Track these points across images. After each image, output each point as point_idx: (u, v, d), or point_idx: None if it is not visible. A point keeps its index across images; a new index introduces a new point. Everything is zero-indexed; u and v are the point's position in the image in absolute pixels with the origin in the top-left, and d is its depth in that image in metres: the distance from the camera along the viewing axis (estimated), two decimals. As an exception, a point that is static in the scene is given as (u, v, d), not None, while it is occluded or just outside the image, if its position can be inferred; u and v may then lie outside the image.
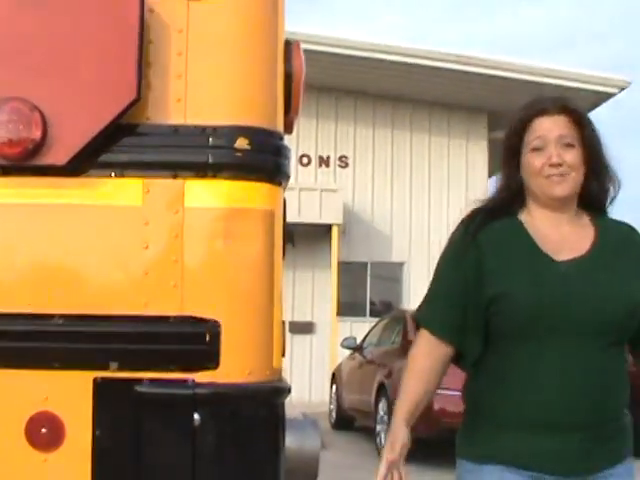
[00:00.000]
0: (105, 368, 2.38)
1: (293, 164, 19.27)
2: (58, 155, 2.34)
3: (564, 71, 18.16)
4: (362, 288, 19.68)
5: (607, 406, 2.37)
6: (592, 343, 2.34)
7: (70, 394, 2.39)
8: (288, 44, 2.74)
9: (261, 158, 2.47)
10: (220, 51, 2.49)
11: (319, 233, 18.40)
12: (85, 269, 2.43)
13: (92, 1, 2.39)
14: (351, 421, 13.84)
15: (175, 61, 2.45)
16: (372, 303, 19.62)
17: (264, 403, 2.45)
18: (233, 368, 2.39)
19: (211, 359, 2.37)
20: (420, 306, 2.57)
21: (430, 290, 2.55)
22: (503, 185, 2.51)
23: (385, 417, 11.53)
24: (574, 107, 2.48)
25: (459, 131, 20.26)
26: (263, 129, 2.49)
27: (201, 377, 2.37)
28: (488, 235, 2.44)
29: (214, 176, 2.42)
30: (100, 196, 2.42)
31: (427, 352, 2.47)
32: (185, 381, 2.37)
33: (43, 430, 2.38)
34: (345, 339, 14.30)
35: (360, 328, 16.61)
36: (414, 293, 19.41)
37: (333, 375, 15.22)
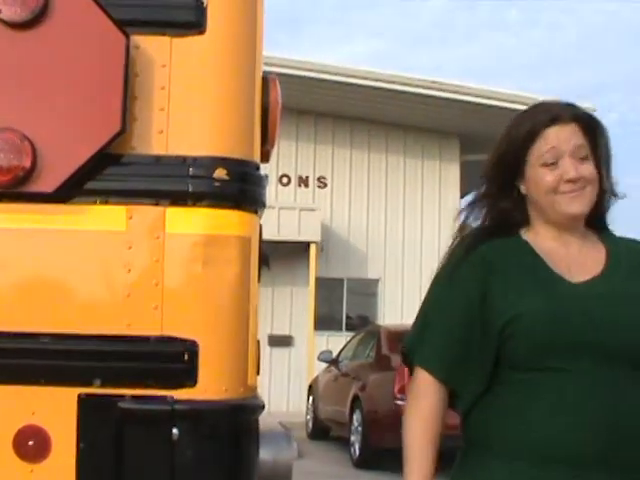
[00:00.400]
0: (89, 384, 2.49)
1: (273, 184, 19.49)
2: (47, 183, 2.46)
3: (533, 98, 18.48)
4: (339, 303, 19.93)
5: (637, 442, 2.03)
6: (619, 368, 2.05)
7: (56, 409, 2.49)
8: (265, 78, 2.87)
9: (238, 188, 2.59)
10: (201, 85, 2.60)
11: (298, 250, 18.58)
12: (71, 290, 2.55)
13: (81, 37, 2.51)
14: (327, 431, 14.04)
15: (158, 94, 2.58)
16: (348, 317, 19.87)
17: (239, 419, 2.56)
18: (210, 386, 2.50)
19: (189, 377, 2.48)
20: (412, 339, 2.22)
21: (423, 320, 2.21)
22: (500, 200, 2.23)
23: (359, 428, 11.73)
24: (588, 114, 2.23)
25: (432, 153, 20.66)
26: (241, 160, 2.61)
27: (180, 394, 2.48)
28: (492, 254, 2.17)
29: (194, 204, 2.53)
30: (86, 222, 2.54)
31: (430, 405, 2.15)
32: (164, 398, 2.47)
33: (30, 442, 2.47)
34: (322, 352, 14.45)
35: (336, 341, 17.05)
36: (389, 308, 19.73)
37: (310, 387, 15.41)
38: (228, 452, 2.54)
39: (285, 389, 18.79)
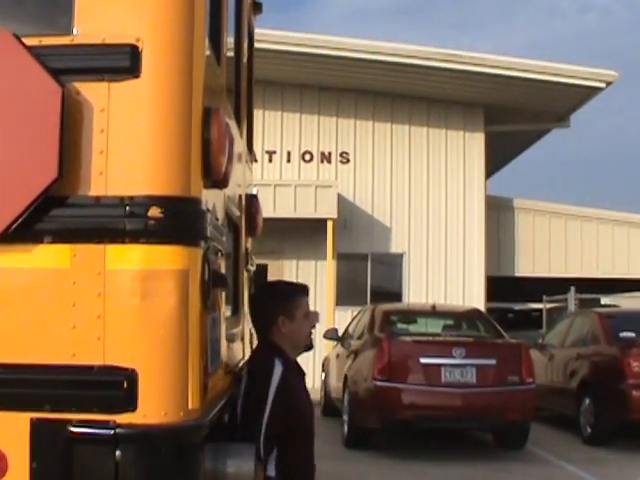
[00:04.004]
0: (40, 410, 2.70)
1: (296, 161, 19.67)
2: (-9, 228, 2.67)
3: (554, 67, 18.40)
4: (363, 278, 20.07)
5: None
6: None
7: (11, 431, 2.71)
8: (207, 111, 3.00)
9: (173, 224, 2.74)
10: (137, 127, 2.76)
11: (319, 227, 18.75)
12: (21, 324, 2.74)
13: (18, 89, 2.68)
14: (337, 408, 14.05)
15: (97, 138, 2.74)
16: (373, 292, 19.94)
17: (178, 440, 2.74)
18: (149, 410, 2.68)
19: (129, 403, 2.68)
20: None
21: None
22: None
23: (348, 407, 11.70)
24: None
25: (456, 125, 20.61)
26: (176, 197, 2.76)
27: (121, 419, 2.67)
28: None
29: (131, 241, 2.71)
30: (33, 260, 2.73)
31: None
32: (107, 422, 2.67)
33: None
34: (328, 330, 14.17)
35: (360, 316, 17.13)
36: (413, 283, 19.84)
37: (323, 364, 15.45)
38: (169, 472, 2.72)
39: (311, 365, 19.00)
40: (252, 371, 3.78)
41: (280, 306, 3.86)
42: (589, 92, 19.17)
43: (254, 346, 4.51)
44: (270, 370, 3.66)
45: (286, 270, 19.50)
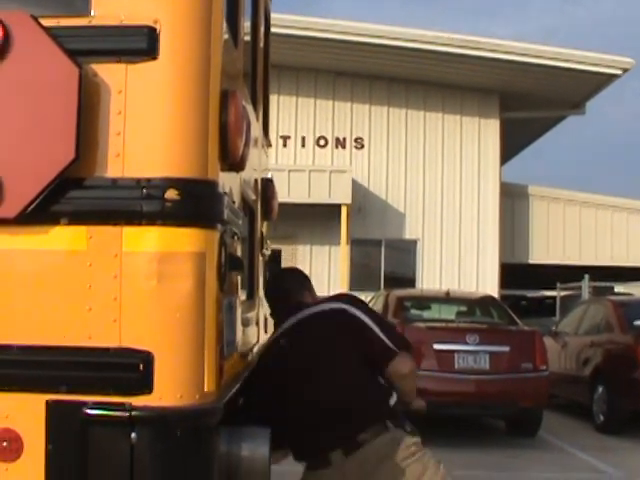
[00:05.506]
0: (56, 391, 2.70)
1: (311, 146, 19.65)
2: (9, 209, 2.66)
3: (570, 54, 18.30)
4: (377, 264, 20.09)
5: None
6: None
7: (27, 413, 2.72)
8: (225, 94, 2.99)
9: (190, 206, 2.73)
10: (155, 109, 2.75)
11: (333, 212, 18.75)
12: (38, 306, 2.74)
13: (36, 70, 2.68)
14: None
15: (115, 120, 2.73)
16: (387, 278, 19.95)
17: (193, 423, 2.74)
18: (165, 393, 2.68)
19: (145, 385, 2.68)
20: None
21: None
22: None
23: None
24: None
25: (471, 111, 20.55)
26: (193, 179, 2.75)
27: (137, 401, 2.67)
28: None
29: (147, 224, 2.70)
30: (49, 242, 2.73)
31: None
32: (123, 404, 2.67)
33: (4, 443, 2.72)
34: None
35: (374, 301, 17.13)
36: (427, 269, 19.81)
37: None
38: (184, 454, 2.72)
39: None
40: (333, 321, 3.91)
41: (306, 283, 4.12)
42: (605, 79, 19.09)
43: (268, 331, 4.51)
44: (343, 308, 3.88)
45: (300, 255, 19.53)
